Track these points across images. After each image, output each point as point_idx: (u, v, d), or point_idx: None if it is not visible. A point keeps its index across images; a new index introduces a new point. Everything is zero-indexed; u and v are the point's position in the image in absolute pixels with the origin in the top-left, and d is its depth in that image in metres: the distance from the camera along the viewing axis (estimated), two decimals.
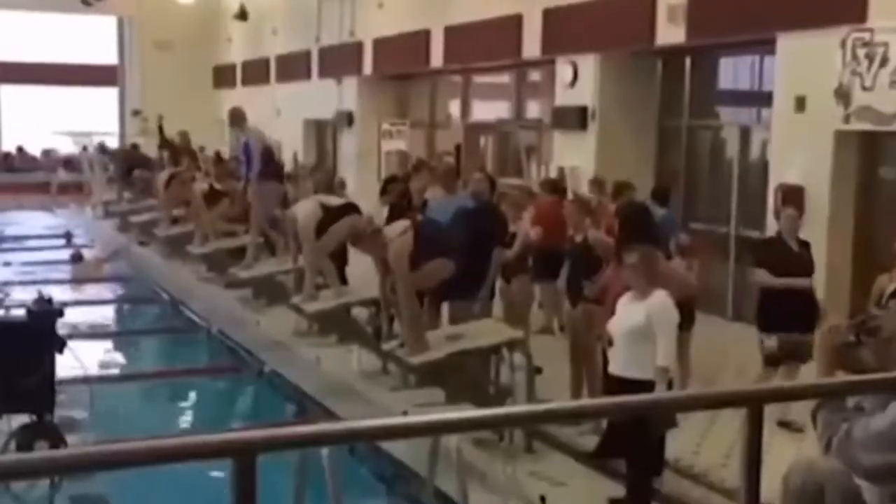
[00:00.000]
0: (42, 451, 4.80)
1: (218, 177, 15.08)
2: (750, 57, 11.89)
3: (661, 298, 6.02)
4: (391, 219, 10.29)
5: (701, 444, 7.13)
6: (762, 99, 11.21)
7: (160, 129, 20.74)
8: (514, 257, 9.09)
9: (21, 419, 5.39)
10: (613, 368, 6.14)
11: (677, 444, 6.84)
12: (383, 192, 12.46)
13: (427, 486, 5.68)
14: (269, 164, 12.75)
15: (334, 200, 10.73)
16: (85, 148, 25.18)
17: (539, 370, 7.78)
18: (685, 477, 6.57)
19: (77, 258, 16.51)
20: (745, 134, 11.78)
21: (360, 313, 10.27)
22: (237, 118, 12.90)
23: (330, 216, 10.18)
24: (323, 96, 20.41)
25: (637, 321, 5.98)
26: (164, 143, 20.50)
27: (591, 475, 6.66)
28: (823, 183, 9.56)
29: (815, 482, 3.82)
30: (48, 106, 28.15)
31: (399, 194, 10.82)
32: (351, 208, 10.36)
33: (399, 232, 8.22)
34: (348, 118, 19.66)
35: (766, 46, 10.49)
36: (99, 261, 17.01)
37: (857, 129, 9.35)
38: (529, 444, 7.04)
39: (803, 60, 9.76)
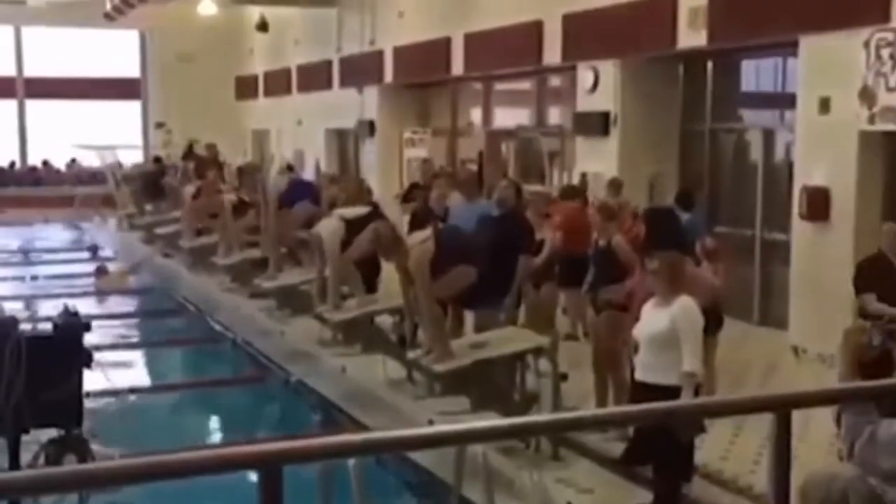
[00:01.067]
0: (71, 466, 4.82)
1: (242, 188, 15.16)
2: (772, 59, 11.82)
3: (685, 303, 5.99)
4: (413, 226, 10.31)
5: (729, 450, 7.07)
6: (785, 101, 11.13)
7: (190, 148, 20.91)
8: (543, 264, 9.08)
9: (49, 433, 5.42)
10: (640, 375, 6.11)
11: (705, 450, 6.79)
12: (406, 199, 12.48)
13: (453, 494, 5.66)
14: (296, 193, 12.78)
15: (355, 212, 10.72)
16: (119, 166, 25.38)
17: (565, 376, 7.76)
18: (713, 483, 6.52)
19: (102, 272, 16.62)
20: (768, 136, 11.71)
21: (385, 322, 10.28)
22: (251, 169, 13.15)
23: (353, 229, 10.17)
24: (344, 105, 20.47)
25: (661, 327, 5.95)
26: (190, 154, 20.66)
27: (619, 482, 6.63)
28: (849, 184, 9.48)
29: (839, 490, 3.79)
30: (72, 120, 28.39)
31: (423, 201, 10.83)
32: (374, 215, 10.36)
33: (420, 240, 8.22)
34: (370, 127, 19.70)
35: (789, 48, 10.42)
36: (123, 273, 17.12)
37: (882, 129, 9.27)
38: (556, 451, 7.01)
39: (827, 62, 9.69)
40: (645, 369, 6.05)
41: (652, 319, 6.05)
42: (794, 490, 2.92)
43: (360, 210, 10.78)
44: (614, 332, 7.47)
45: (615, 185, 10.85)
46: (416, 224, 10.90)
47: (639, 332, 6.13)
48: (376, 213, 10.46)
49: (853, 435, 3.33)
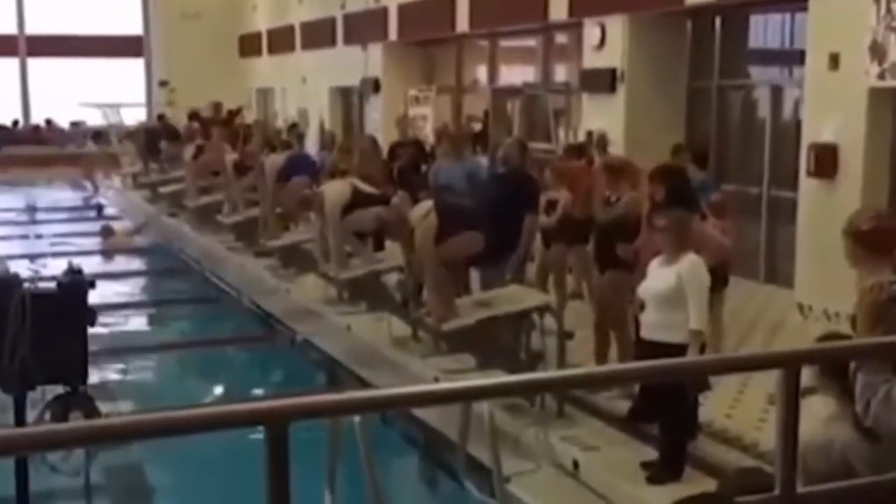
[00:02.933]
0: (76, 422, 4.83)
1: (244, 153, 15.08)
2: (781, 15, 11.68)
3: (691, 261, 5.97)
4: (400, 183, 10.23)
5: (734, 408, 7.08)
6: (794, 57, 11.02)
7: (194, 114, 20.71)
8: (556, 224, 9.06)
9: (55, 391, 5.43)
10: (645, 333, 6.10)
11: (710, 408, 6.79)
12: (391, 156, 12.43)
13: (459, 452, 5.67)
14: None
15: (368, 188, 10.61)
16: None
17: (570, 335, 7.75)
18: (719, 441, 6.53)
19: (107, 232, 16.62)
20: (776, 93, 11.60)
21: (390, 280, 10.26)
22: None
23: (359, 200, 10.05)
24: (348, 63, 20.33)
25: (668, 285, 5.93)
26: (195, 116, 20.60)
27: (624, 440, 6.64)
28: (858, 141, 9.40)
29: (838, 453, 3.78)
30: (75, 78, 28.26)
31: (409, 158, 10.76)
32: (381, 200, 10.33)
33: (423, 214, 8.17)
34: (374, 85, 19.58)
35: (798, 4, 10.29)
36: (128, 233, 17.12)
37: (891, 86, 9.17)
38: (561, 409, 7.02)
39: (836, 17, 9.56)
40: (651, 327, 6.03)
41: (658, 277, 6.03)
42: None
43: (372, 189, 10.66)
44: (618, 292, 7.45)
45: (602, 143, 11.01)
46: (403, 182, 10.87)
47: (645, 290, 6.11)
48: (384, 199, 10.42)
49: (869, 394, 3.30)
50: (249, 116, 22.68)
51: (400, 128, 14.91)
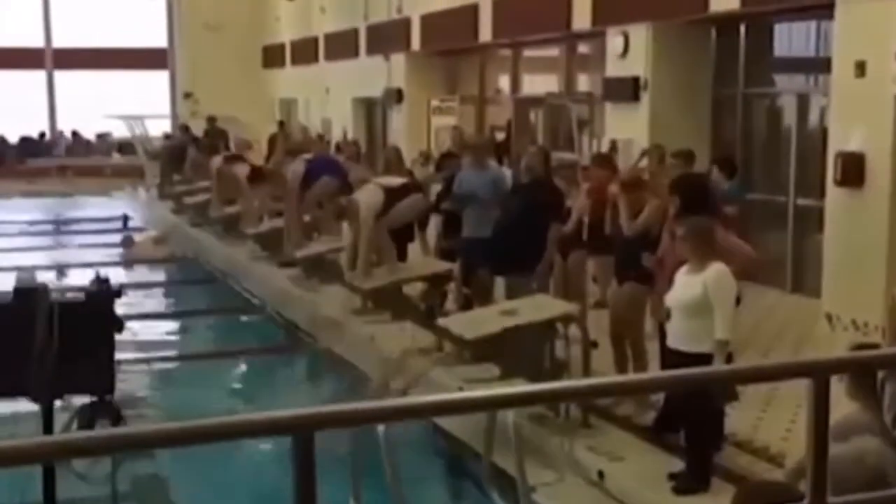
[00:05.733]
0: (104, 430, 4.85)
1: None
2: (806, 23, 11.62)
3: (717, 270, 5.93)
4: (445, 194, 10.30)
5: (761, 418, 7.02)
6: (820, 65, 10.94)
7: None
8: (570, 232, 9.03)
9: (82, 401, 5.45)
10: (671, 342, 6.07)
11: (736, 419, 6.74)
12: (438, 167, 12.44)
13: (484, 462, 5.66)
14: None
15: (393, 181, 10.68)
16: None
17: (595, 344, 7.72)
18: (745, 451, 6.47)
19: (129, 242, 16.74)
20: (802, 101, 11.53)
21: (414, 290, 10.27)
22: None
23: (392, 197, 10.17)
24: (372, 74, 20.39)
25: (693, 294, 5.89)
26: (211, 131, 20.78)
27: (650, 450, 6.60)
28: (885, 149, 9.32)
29: (872, 465, 3.73)
30: (101, 90, 28.49)
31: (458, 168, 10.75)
32: (413, 187, 10.40)
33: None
34: (397, 95, 19.62)
35: (824, 11, 10.23)
36: (152, 241, 17.23)
37: None
38: (586, 419, 6.99)
39: (863, 24, 9.50)
40: (677, 337, 6.00)
41: (684, 286, 5.99)
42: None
43: (398, 179, 10.74)
44: (635, 305, 7.42)
45: (659, 154, 10.73)
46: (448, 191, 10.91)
47: (671, 299, 6.08)
48: (415, 186, 10.47)
49: None
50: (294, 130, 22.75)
51: (453, 138, 14.79)
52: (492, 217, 8.94)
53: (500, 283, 9.05)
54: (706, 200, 7.39)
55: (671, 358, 5.99)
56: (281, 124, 22.24)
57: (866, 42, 9.43)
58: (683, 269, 6.08)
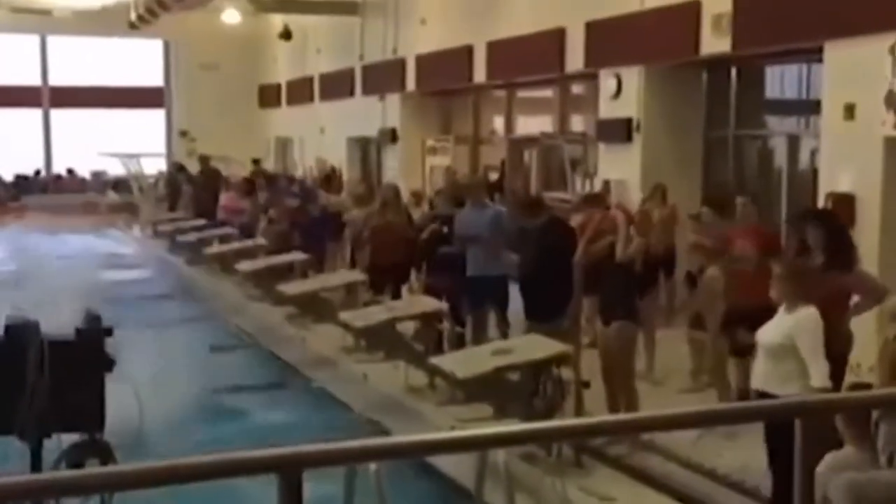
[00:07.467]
0: (93, 469, 4.82)
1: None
2: (796, 65, 11.74)
3: (805, 315, 5.77)
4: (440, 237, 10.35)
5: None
6: (810, 107, 11.04)
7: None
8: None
9: (72, 439, 5.42)
10: (756, 383, 5.95)
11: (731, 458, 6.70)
12: (433, 205, 12.51)
13: (475, 501, 5.63)
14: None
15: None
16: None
17: (587, 384, 7.71)
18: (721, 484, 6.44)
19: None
20: (793, 143, 11.62)
21: (407, 328, 10.26)
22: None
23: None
24: (366, 113, 20.51)
25: (779, 336, 5.80)
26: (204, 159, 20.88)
27: (641, 490, 6.57)
28: (875, 191, 9.39)
29: (882, 494, 3.73)
30: (97, 129, 28.59)
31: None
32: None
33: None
34: (392, 135, 19.72)
35: (814, 54, 10.35)
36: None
37: None
38: (578, 459, 6.97)
39: (852, 68, 9.61)
40: (760, 377, 5.91)
41: (775, 326, 5.89)
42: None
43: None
44: (623, 344, 7.41)
45: (662, 192, 10.96)
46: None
47: (759, 337, 5.99)
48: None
49: (893, 445, 3.26)
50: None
51: (446, 178, 14.86)
52: (495, 255, 9.04)
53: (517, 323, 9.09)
54: (849, 241, 7.21)
55: (755, 398, 5.83)
56: (255, 162, 22.36)
57: (855, 85, 9.53)
58: (781, 309, 5.93)
